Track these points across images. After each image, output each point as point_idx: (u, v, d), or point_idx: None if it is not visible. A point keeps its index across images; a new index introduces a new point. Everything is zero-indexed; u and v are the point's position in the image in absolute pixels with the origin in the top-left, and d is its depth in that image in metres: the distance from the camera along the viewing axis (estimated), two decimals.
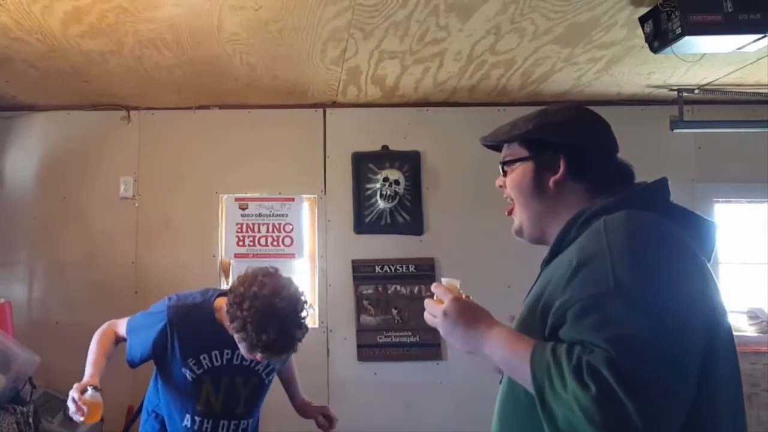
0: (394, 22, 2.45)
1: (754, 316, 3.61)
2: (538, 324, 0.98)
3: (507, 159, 1.18)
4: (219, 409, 1.87)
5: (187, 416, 1.88)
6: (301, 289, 1.75)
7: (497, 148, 1.23)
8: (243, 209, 3.62)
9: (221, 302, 1.83)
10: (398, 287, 3.57)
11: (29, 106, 3.63)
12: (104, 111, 3.64)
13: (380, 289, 3.57)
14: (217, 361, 1.86)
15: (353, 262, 3.59)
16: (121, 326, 1.98)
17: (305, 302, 1.74)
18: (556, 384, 0.86)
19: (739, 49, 2.36)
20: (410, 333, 3.50)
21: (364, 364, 3.50)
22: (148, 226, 3.60)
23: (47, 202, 3.61)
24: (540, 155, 1.14)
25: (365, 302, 3.55)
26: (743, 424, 1.00)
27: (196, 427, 1.87)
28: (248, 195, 3.63)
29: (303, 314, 1.71)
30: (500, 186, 1.21)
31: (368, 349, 3.51)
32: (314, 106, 3.68)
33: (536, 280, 1.11)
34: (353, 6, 2.28)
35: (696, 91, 3.38)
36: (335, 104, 3.69)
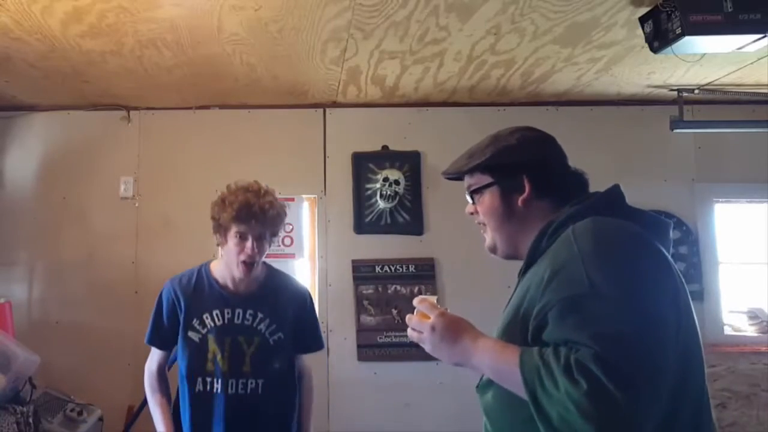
0: (394, 22, 2.45)
1: (754, 316, 3.61)
2: (520, 331, 1.02)
3: (473, 188, 1.24)
4: (226, 369, 1.94)
5: (199, 380, 1.96)
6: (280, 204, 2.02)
7: (460, 178, 1.29)
8: None
9: (215, 263, 2.07)
10: (398, 287, 3.57)
11: (29, 106, 3.63)
12: (104, 111, 3.64)
13: (380, 289, 3.57)
14: (219, 320, 1.96)
15: (353, 262, 3.59)
16: (151, 355, 2.10)
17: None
18: (547, 385, 0.89)
19: (739, 49, 2.36)
20: None
21: (364, 364, 3.50)
22: (148, 226, 3.60)
23: (47, 202, 3.61)
24: (503, 179, 1.19)
25: (365, 302, 3.55)
26: (708, 418, 1.03)
27: (207, 389, 1.94)
28: None
29: (277, 196, 1.99)
30: (471, 213, 1.26)
31: (368, 349, 3.51)
32: (314, 106, 3.68)
33: (514, 291, 1.15)
34: (353, 6, 2.28)
35: (696, 91, 3.38)
36: (335, 104, 3.69)
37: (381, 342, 3.51)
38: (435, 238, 3.62)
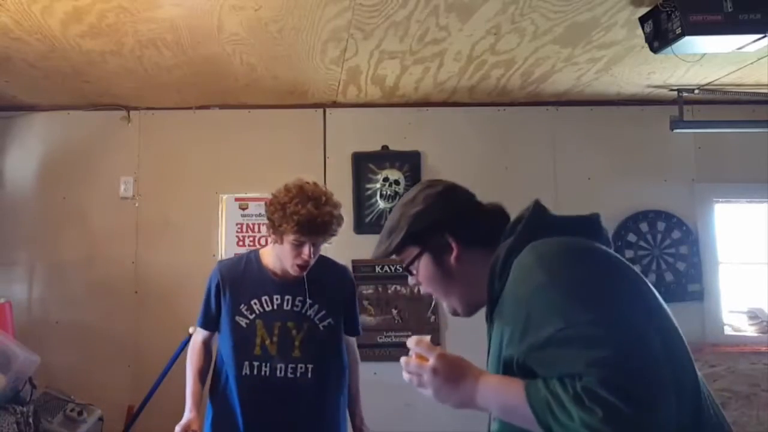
0: (394, 22, 2.45)
1: (754, 316, 3.61)
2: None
3: (406, 263, 1.21)
4: (275, 353, 1.95)
5: (246, 364, 1.96)
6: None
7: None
8: (243, 209, 3.62)
9: (266, 250, 2.06)
10: (398, 287, 3.57)
11: (29, 106, 3.63)
12: (104, 111, 3.64)
13: (380, 289, 3.57)
14: (267, 305, 1.97)
15: (353, 262, 3.58)
16: (198, 331, 2.12)
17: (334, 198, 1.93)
18: (560, 417, 0.88)
19: (739, 49, 2.36)
20: (410, 333, 3.49)
21: (364, 364, 3.43)
22: (148, 226, 3.60)
23: (47, 202, 3.61)
24: (428, 245, 1.18)
25: (365, 302, 3.55)
26: (708, 402, 0.99)
27: (254, 373, 1.95)
28: (248, 195, 3.63)
29: (334, 199, 1.93)
30: (416, 284, 1.24)
31: (368, 349, 3.50)
32: (314, 106, 3.68)
33: (489, 339, 1.13)
34: (353, 6, 2.28)
35: (696, 91, 3.38)
36: (335, 104, 3.69)
37: (381, 342, 3.51)
38: None
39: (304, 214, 1.82)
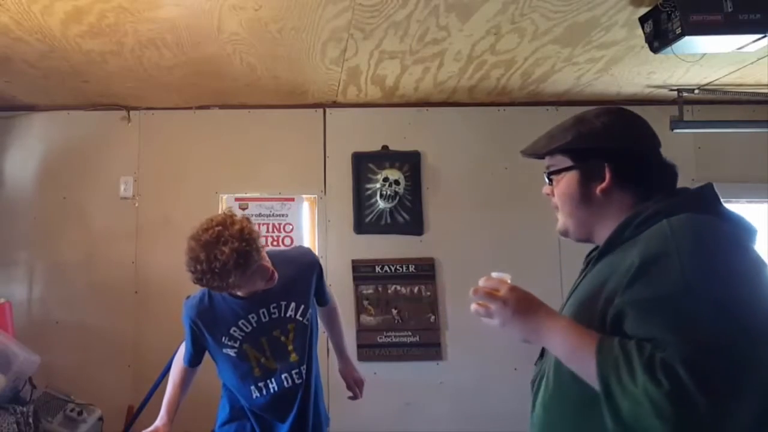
0: (394, 22, 2.45)
1: None
2: (597, 318, 0.98)
3: (552, 169, 1.18)
4: (274, 367, 1.94)
5: (252, 388, 1.95)
6: (237, 230, 1.73)
7: (540, 157, 1.23)
8: (243, 209, 3.61)
9: None
10: (398, 287, 3.57)
11: (29, 106, 3.63)
12: (104, 111, 3.64)
13: (380, 289, 3.57)
14: (246, 327, 1.93)
15: (353, 262, 3.59)
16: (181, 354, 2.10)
17: (233, 239, 1.71)
18: (624, 377, 0.87)
19: (739, 49, 2.36)
20: (410, 333, 3.50)
21: (364, 364, 3.49)
22: (148, 226, 3.60)
23: (47, 202, 3.61)
24: (584, 164, 1.13)
25: (365, 302, 3.55)
26: None
27: (264, 393, 1.94)
28: (248, 195, 3.63)
29: (236, 229, 1.72)
30: (547, 194, 1.21)
31: (368, 349, 3.51)
32: (314, 106, 3.68)
33: (582, 277, 1.12)
34: (353, 6, 2.28)
35: (696, 91, 3.39)
36: (335, 104, 3.69)
37: (381, 342, 3.51)
38: (435, 238, 3.61)
39: (195, 273, 1.71)
